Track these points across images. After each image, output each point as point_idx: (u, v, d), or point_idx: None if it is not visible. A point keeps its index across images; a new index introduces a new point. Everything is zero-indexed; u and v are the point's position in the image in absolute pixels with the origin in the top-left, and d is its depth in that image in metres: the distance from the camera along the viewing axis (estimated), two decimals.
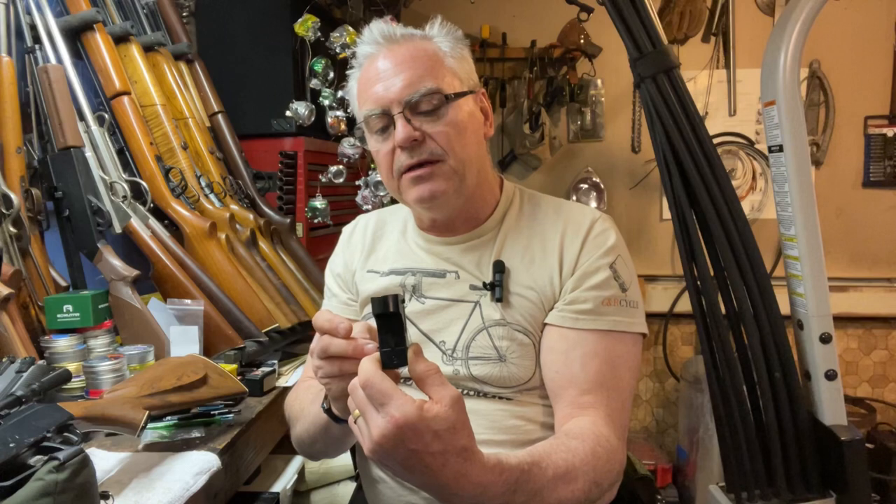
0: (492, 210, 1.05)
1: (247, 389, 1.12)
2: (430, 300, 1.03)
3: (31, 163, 1.30)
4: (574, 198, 2.85)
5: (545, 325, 0.98)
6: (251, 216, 1.64)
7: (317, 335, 0.83)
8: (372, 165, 1.89)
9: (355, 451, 1.26)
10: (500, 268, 0.99)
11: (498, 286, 0.98)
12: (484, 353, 0.98)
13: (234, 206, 1.63)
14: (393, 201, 1.89)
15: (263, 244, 1.64)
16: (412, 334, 1.02)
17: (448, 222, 1.04)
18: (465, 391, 0.99)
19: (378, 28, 0.99)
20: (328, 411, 0.93)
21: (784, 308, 1.61)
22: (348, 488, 1.76)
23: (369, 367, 0.68)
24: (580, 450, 0.84)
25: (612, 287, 0.97)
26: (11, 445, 0.65)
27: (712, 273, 1.61)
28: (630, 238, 3.09)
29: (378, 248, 1.12)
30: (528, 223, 1.04)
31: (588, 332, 0.95)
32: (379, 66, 0.96)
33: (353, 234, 1.17)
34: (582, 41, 2.70)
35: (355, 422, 0.69)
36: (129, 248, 1.39)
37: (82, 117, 1.37)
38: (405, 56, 0.96)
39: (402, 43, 0.97)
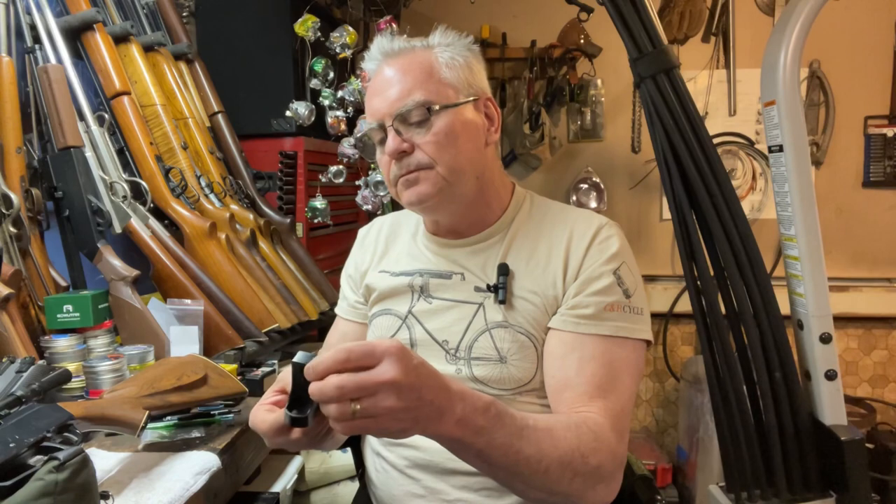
0: (499, 214, 1.07)
1: (247, 389, 1.12)
2: (436, 300, 1.05)
3: (31, 163, 1.30)
4: (574, 198, 2.85)
5: (549, 329, 0.99)
6: (251, 216, 1.64)
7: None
8: (372, 165, 1.89)
9: (356, 450, 1.27)
10: (504, 271, 1.01)
11: (501, 289, 1.00)
12: (485, 353, 1.00)
13: (234, 206, 1.63)
14: (393, 202, 1.89)
15: (263, 244, 1.64)
16: (417, 333, 1.05)
17: (452, 226, 1.07)
18: None
19: (378, 45, 1.03)
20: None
21: (784, 308, 1.61)
22: (348, 488, 1.76)
23: (330, 354, 0.68)
24: (562, 419, 0.87)
25: (616, 293, 0.98)
26: (11, 445, 0.65)
27: (712, 273, 1.61)
28: (630, 238, 3.06)
29: (391, 250, 1.15)
30: (535, 228, 1.05)
31: (588, 337, 0.96)
32: (378, 80, 1.02)
33: (367, 236, 1.21)
34: (582, 41, 2.70)
35: (354, 415, 0.67)
36: (129, 248, 1.39)
37: (82, 117, 1.37)
38: (399, 69, 1.00)
39: (399, 56, 1.01)
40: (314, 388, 0.68)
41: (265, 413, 0.84)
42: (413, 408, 0.69)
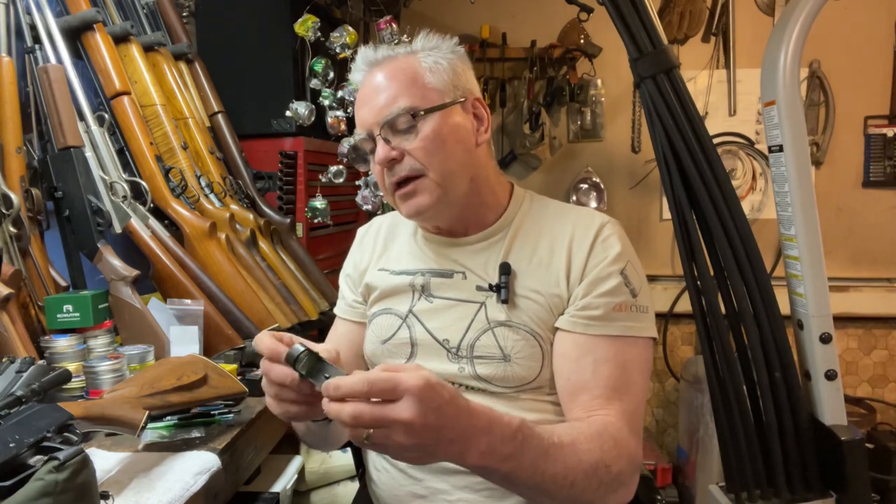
0: (499, 213, 1.07)
1: (247, 389, 1.11)
2: (437, 299, 1.06)
3: (31, 163, 1.30)
4: (574, 198, 2.86)
5: (557, 329, 1.00)
6: (251, 216, 1.64)
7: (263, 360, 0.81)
8: None
9: (356, 450, 1.26)
10: (506, 270, 1.01)
11: (504, 288, 1.00)
12: (488, 352, 1.00)
13: (234, 206, 1.63)
14: None
15: (263, 244, 1.64)
16: (417, 332, 1.05)
17: (451, 229, 1.07)
18: (467, 388, 1.01)
19: (362, 55, 1.04)
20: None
21: (784, 308, 1.61)
22: (348, 488, 1.76)
23: (352, 380, 0.67)
24: (584, 428, 0.87)
25: (623, 293, 0.98)
26: (11, 445, 0.65)
27: (712, 273, 1.61)
28: (630, 238, 3.06)
29: (390, 249, 1.15)
30: (536, 226, 1.06)
31: (599, 338, 0.96)
32: (364, 90, 1.02)
33: (366, 236, 1.21)
34: (582, 41, 2.70)
35: (366, 440, 0.67)
36: (129, 248, 1.39)
37: (82, 117, 1.37)
38: (383, 78, 1.00)
39: (383, 65, 1.02)
40: (332, 409, 0.67)
41: (267, 336, 0.81)
42: (428, 445, 0.69)
